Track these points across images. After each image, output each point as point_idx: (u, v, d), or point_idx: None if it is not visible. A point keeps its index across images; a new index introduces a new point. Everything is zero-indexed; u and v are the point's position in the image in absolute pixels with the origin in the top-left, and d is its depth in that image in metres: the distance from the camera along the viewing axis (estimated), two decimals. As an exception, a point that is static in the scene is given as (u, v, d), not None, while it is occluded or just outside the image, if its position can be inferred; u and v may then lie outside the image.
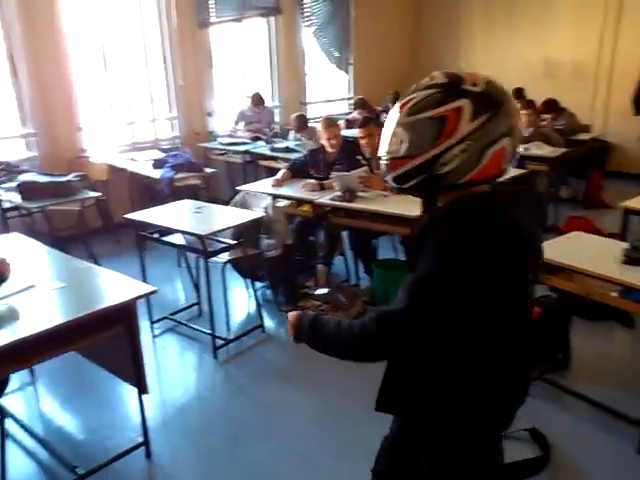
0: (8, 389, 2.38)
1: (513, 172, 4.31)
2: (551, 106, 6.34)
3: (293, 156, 5.21)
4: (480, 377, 1.28)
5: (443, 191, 1.26)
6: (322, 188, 4.00)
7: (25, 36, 4.79)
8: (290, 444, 2.58)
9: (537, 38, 7.51)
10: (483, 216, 1.19)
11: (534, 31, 7.52)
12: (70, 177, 4.23)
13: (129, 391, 2.71)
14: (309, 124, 6.00)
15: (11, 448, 2.52)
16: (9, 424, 2.63)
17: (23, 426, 2.67)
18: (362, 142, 3.95)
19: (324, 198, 3.78)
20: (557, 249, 2.69)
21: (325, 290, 3.73)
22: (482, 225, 1.18)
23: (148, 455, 2.50)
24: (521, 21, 7.62)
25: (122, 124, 5.76)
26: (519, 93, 6.46)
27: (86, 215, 4.58)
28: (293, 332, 1.41)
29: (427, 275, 1.19)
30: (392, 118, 1.26)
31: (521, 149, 4.97)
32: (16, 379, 2.99)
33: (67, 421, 2.81)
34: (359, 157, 4.00)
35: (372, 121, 4.05)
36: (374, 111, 6.99)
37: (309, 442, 2.60)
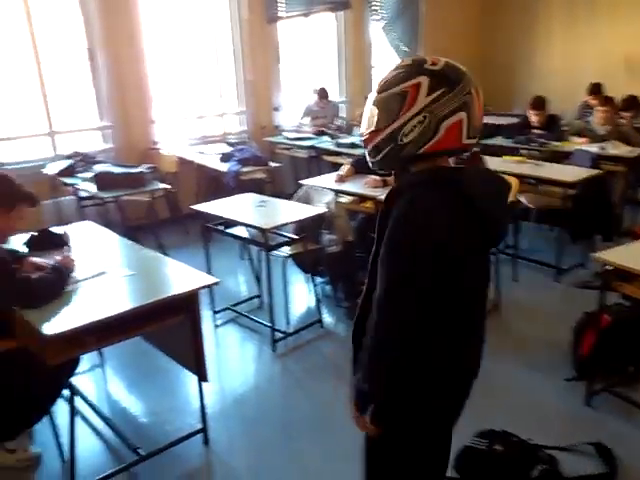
0: (79, 369, 2.50)
1: (587, 172, 4.14)
2: (631, 103, 5.99)
3: (358, 152, 5.18)
4: (443, 346, 1.36)
5: (409, 163, 1.38)
6: (385, 185, 3.95)
7: (105, 34, 5.01)
8: (343, 441, 2.57)
9: (619, 33, 7.13)
10: (441, 188, 1.31)
11: (616, 26, 7.14)
12: (142, 168, 4.40)
13: (190, 378, 2.79)
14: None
15: (80, 425, 2.66)
16: (78, 402, 2.76)
17: (91, 405, 2.81)
18: None
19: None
20: (632, 254, 2.55)
21: (385, 288, 3.69)
22: (438, 196, 1.29)
23: (206, 441, 2.57)
24: (603, 16, 7.24)
25: (192, 118, 5.92)
26: (597, 89, 6.14)
27: (155, 206, 4.75)
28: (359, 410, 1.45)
29: (392, 249, 1.32)
30: (369, 98, 1.39)
31: (596, 148, 4.74)
32: (87, 360, 3.15)
33: (131, 403, 2.93)
34: None
35: None
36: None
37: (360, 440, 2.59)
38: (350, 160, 4.65)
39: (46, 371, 2.11)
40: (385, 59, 7.74)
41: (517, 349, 3.30)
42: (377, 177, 4.03)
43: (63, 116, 5.03)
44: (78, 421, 2.64)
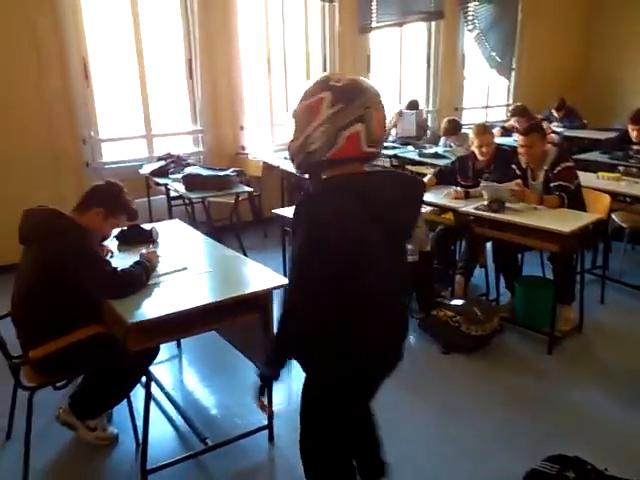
0: (158, 359, 2.63)
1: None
2: None
3: (441, 162, 5.11)
4: (358, 321, 1.59)
5: (321, 169, 1.58)
6: (468, 196, 3.88)
7: (203, 46, 5.26)
8: (406, 450, 2.55)
9: None
10: (342, 192, 1.50)
11: None
12: (228, 172, 4.57)
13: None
14: (462, 130, 5.84)
15: (154, 411, 2.80)
16: (154, 390, 2.91)
17: (166, 393, 2.96)
18: (521, 150, 3.71)
19: (469, 207, 3.66)
20: None
21: (461, 302, 3.61)
22: (340, 199, 1.49)
23: (271, 438, 2.62)
24: None
25: (279, 125, 6.08)
26: None
27: (239, 208, 4.92)
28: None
29: (300, 249, 1.50)
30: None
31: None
32: (165, 351, 3.31)
33: (204, 394, 3.04)
34: (514, 166, 3.82)
35: (537, 130, 3.69)
36: (534, 119, 6.57)
37: (420, 445, 2.57)
38: (433, 170, 4.60)
39: (128, 357, 2.25)
40: (477, 69, 7.59)
41: (598, 375, 3.12)
42: (459, 189, 3.96)
43: (160, 120, 5.33)
44: (153, 407, 2.79)
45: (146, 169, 4.90)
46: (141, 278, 2.35)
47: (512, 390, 3.03)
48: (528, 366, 3.28)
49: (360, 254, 1.51)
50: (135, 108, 5.17)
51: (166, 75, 5.30)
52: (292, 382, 3.16)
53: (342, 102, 1.48)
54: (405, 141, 6.15)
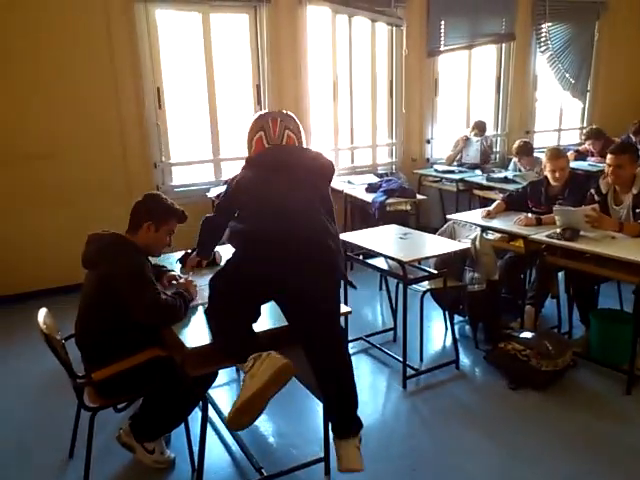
0: (216, 382, 2.64)
1: None
2: None
3: (510, 187, 4.94)
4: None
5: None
6: (539, 223, 3.70)
7: (271, 69, 5.36)
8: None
9: None
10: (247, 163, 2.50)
11: None
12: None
13: (318, 405, 2.80)
14: (534, 154, 5.61)
15: (211, 436, 2.80)
16: (212, 414, 2.90)
17: (223, 419, 2.94)
18: (608, 170, 3.44)
19: (540, 234, 3.49)
20: None
21: (531, 334, 3.42)
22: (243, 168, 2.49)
23: (327, 471, 2.54)
24: None
25: (345, 149, 6.09)
26: None
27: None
28: None
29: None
30: None
31: None
32: (224, 374, 3.31)
33: (261, 422, 2.99)
34: (592, 191, 3.62)
35: (629, 151, 3.42)
36: (610, 142, 6.26)
37: None
38: (503, 195, 4.44)
39: (186, 381, 2.25)
40: (550, 91, 7.34)
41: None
42: (531, 215, 3.79)
43: (228, 145, 5.45)
44: (210, 432, 2.79)
45: (213, 192, 5.01)
46: (180, 310, 2.34)
47: (586, 432, 2.82)
48: (604, 406, 3.05)
49: (241, 188, 2.37)
50: (204, 133, 5.31)
51: (235, 101, 5.43)
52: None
53: (254, 123, 2.46)
54: (472, 165, 6.00)
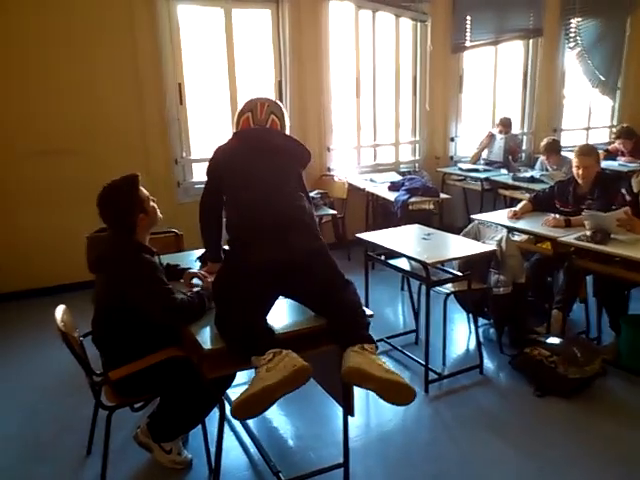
0: (234, 382, 2.59)
1: None
2: None
3: (537, 187, 4.81)
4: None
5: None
6: (568, 225, 3.58)
7: (293, 65, 5.30)
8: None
9: None
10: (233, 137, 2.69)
11: None
12: (313, 194, 4.54)
13: (338, 408, 2.73)
14: (562, 153, 5.46)
15: (228, 438, 2.76)
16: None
17: (241, 420, 2.89)
18: None
19: (569, 236, 3.37)
20: None
21: (558, 340, 3.31)
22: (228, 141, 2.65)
23: (346, 477, 2.47)
24: None
25: (367, 146, 6.01)
26: None
27: (322, 230, 4.85)
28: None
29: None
30: None
31: None
32: (243, 375, 3.25)
33: (279, 423, 2.96)
34: (623, 191, 3.49)
35: None
36: (642, 141, 6.11)
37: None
38: (529, 195, 4.33)
39: (204, 382, 2.21)
40: (579, 89, 7.16)
41: None
42: (559, 216, 3.67)
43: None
44: (227, 433, 2.74)
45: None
46: (198, 309, 2.29)
47: (615, 443, 2.71)
48: (635, 416, 2.93)
49: (223, 164, 2.50)
50: (225, 130, 5.28)
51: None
52: (370, 417, 3.02)
53: (243, 105, 2.62)
54: (499, 165, 5.87)
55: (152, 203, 2.46)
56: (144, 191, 2.44)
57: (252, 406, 1.94)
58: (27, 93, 4.42)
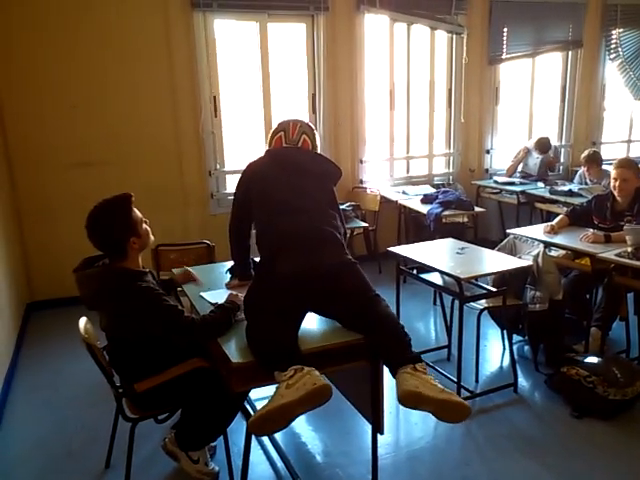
0: (263, 393, 2.57)
1: None
2: None
3: (575, 201, 4.69)
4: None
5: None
6: (608, 241, 3.47)
7: (327, 78, 5.32)
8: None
9: None
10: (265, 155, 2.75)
11: None
12: (344, 206, 4.52)
13: (367, 425, 2.69)
14: (602, 166, 5.30)
15: (256, 451, 2.74)
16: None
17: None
18: None
19: (609, 253, 3.27)
20: None
21: (597, 359, 3.19)
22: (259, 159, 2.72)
23: (374, 496, 2.43)
24: None
25: (400, 158, 5.96)
26: None
27: (354, 242, 4.83)
28: None
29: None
30: None
31: None
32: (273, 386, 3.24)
33: (308, 439, 2.92)
34: None
35: None
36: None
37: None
38: (566, 210, 4.21)
39: (228, 392, 2.20)
40: (618, 101, 6.98)
41: None
42: (599, 232, 3.56)
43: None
44: (255, 447, 2.72)
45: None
46: (222, 322, 2.28)
47: (659, 470, 2.58)
48: (680, 442, 2.80)
49: (253, 183, 2.54)
50: (258, 142, 5.31)
51: (290, 110, 5.40)
52: (399, 434, 2.96)
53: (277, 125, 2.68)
54: (535, 178, 5.75)
55: (145, 225, 2.36)
56: (137, 212, 2.33)
57: (269, 423, 1.92)
58: (70, 107, 4.54)
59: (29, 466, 2.72)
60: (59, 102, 4.51)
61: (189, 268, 2.92)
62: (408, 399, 1.96)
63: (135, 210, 2.32)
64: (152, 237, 2.43)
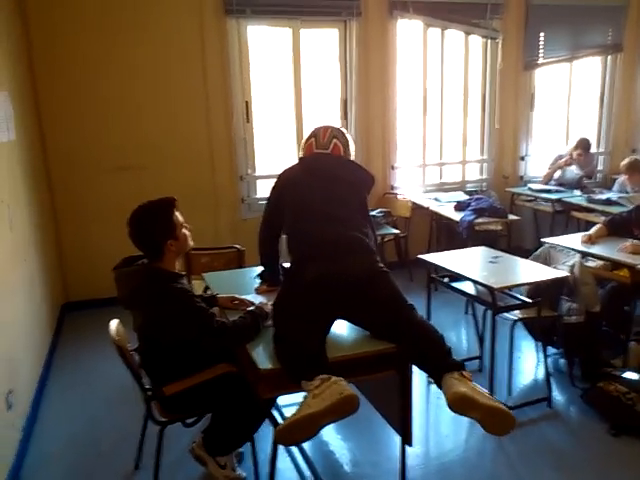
0: (292, 400, 2.54)
1: None
2: None
3: (613, 210, 4.55)
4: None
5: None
6: (648, 251, 3.36)
7: (359, 83, 5.30)
8: None
9: None
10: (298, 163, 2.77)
11: None
12: (375, 212, 4.48)
13: (396, 435, 2.65)
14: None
15: (283, 458, 2.72)
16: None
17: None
18: None
19: (649, 264, 3.16)
20: None
21: (637, 375, 3.08)
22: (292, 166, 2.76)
23: (402, 508, 2.39)
24: None
25: (432, 164, 5.89)
26: None
27: (384, 249, 4.79)
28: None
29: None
30: None
31: None
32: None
33: (336, 448, 2.89)
34: None
35: None
36: None
37: None
38: (604, 219, 4.09)
39: (256, 398, 2.19)
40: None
41: None
42: (638, 242, 3.44)
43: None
44: (282, 455, 2.71)
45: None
46: (251, 328, 2.28)
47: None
48: None
49: (285, 190, 2.55)
50: (289, 147, 5.32)
51: (322, 116, 5.40)
52: (429, 446, 2.91)
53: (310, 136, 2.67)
54: (571, 184, 5.61)
55: (185, 230, 2.39)
56: (179, 217, 2.37)
57: (296, 433, 1.90)
58: (108, 112, 4.63)
59: (61, 464, 2.77)
60: (94, 108, 4.60)
61: (237, 295, 2.68)
62: (457, 403, 1.94)
63: (177, 214, 2.37)
64: (191, 243, 2.45)
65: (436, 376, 2.08)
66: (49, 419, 3.17)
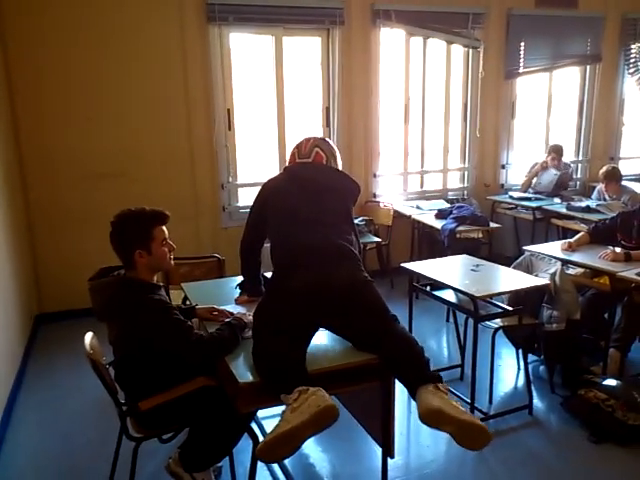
0: (271, 412, 2.51)
1: None
2: None
3: (593, 217, 4.60)
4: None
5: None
6: (628, 259, 3.38)
7: (342, 91, 5.29)
8: None
9: None
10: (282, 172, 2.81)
11: None
12: (357, 221, 4.47)
13: (377, 446, 2.62)
14: (622, 182, 5.18)
15: (261, 471, 2.66)
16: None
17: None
18: None
19: (629, 272, 3.18)
20: None
21: (616, 382, 3.09)
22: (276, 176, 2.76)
23: (383, 523, 2.35)
24: None
25: (414, 173, 5.91)
26: None
27: (366, 257, 4.77)
28: None
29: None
30: None
31: None
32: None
33: (316, 460, 2.85)
34: None
35: None
36: None
37: None
38: (588, 227, 4.12)
39: (235, 412, 2.15)
40: (638, 116, 6.88)
41: None
42: (619, 249, 3.47)
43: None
44: (261, 469, 2.65)
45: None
46: (229, 341, 2.24)
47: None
48: None
49: (269, 198, 2.53)
50: (271, 155, 5.29)
51: (304, 123, 5.39)
52: (410, 457, 2.88)
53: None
54: (549, 192, 5.66)
55: (164, 248, 2.30)
56: (163, 232, 2.30)
57: (277, 449, 1.86)
58: (87, 118, 4.56)
59: (33, 481, 2.68)
60: (73, 114, 4.53)
61: (216, 306, 2.61)
62: (430, 417, 1.90)
63: (162, 229, 2.30)
64: (171, 262, 2.38)
65: (411, 388, 2.05)
66: (20, 434, 3.08)
